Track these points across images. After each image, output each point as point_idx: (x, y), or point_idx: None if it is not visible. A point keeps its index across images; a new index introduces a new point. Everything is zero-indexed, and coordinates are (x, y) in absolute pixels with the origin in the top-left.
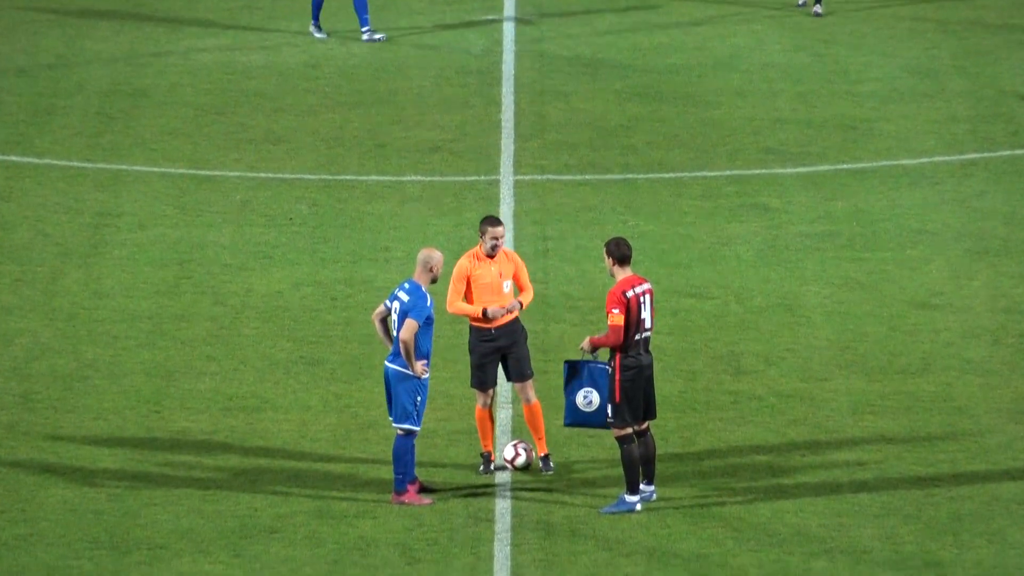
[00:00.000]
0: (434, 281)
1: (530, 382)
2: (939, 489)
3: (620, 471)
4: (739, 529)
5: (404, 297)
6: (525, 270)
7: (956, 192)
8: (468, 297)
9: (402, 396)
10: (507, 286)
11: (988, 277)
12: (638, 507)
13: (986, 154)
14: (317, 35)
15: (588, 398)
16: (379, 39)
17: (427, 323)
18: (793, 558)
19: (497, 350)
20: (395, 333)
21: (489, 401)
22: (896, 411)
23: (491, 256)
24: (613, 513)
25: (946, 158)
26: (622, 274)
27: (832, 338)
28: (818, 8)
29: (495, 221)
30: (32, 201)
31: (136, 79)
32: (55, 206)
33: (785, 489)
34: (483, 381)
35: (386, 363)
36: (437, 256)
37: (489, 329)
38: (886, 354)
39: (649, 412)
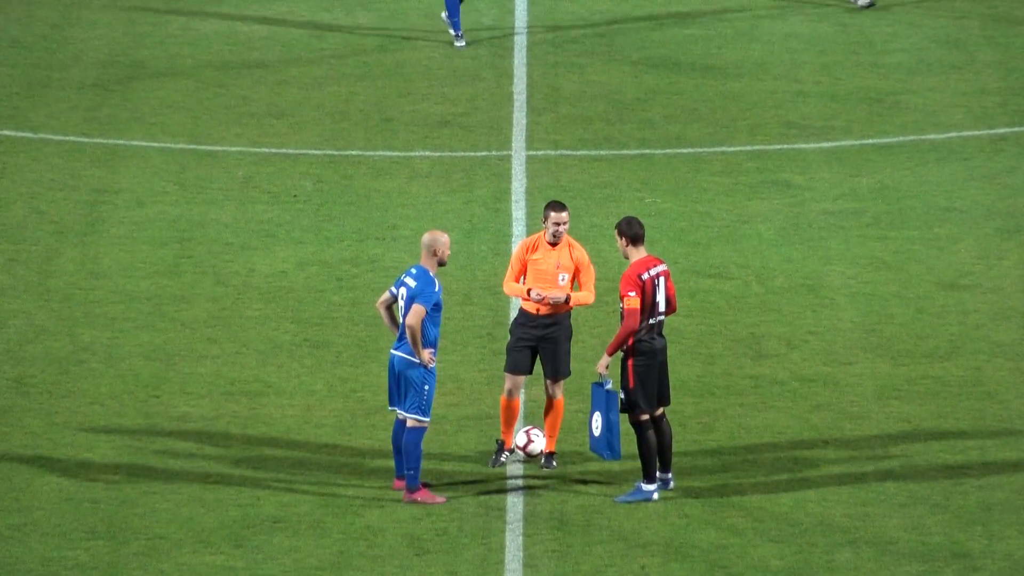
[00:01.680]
0: (442, 264)
1: (562, 382)
2: (968, 477)
3: (636, 460)
4: (760, 519)
5: (411, 282)
6: (591, 272)
7: (986, 168)
8: (525, 282)
9: (411, 386)
10: (563, 279)
11: (1019, 256)
12: (655, 496)
13: (1017, 128)
14: (458, 44)
15: (597, 423)
16: (460, 46)
17: (435, 309)
18: (816, 549)
19: (535, 338)
20: (402, 320)
21: (517, 392)
22: (923, 396)
23: (553, 244)
24: (629, 502)
25: (975, 132)
26: (636, 254)
27: (857, 320)
28: None
29: (557, 206)
30: (27, 177)
31: (134, 50)
32: (50, 182)
33: (807, 477)
34: (514, 364)
35: (392, 351)
36: (443, 239)
37: (534, 314)
38: (913, 337)
39: (663, 398)
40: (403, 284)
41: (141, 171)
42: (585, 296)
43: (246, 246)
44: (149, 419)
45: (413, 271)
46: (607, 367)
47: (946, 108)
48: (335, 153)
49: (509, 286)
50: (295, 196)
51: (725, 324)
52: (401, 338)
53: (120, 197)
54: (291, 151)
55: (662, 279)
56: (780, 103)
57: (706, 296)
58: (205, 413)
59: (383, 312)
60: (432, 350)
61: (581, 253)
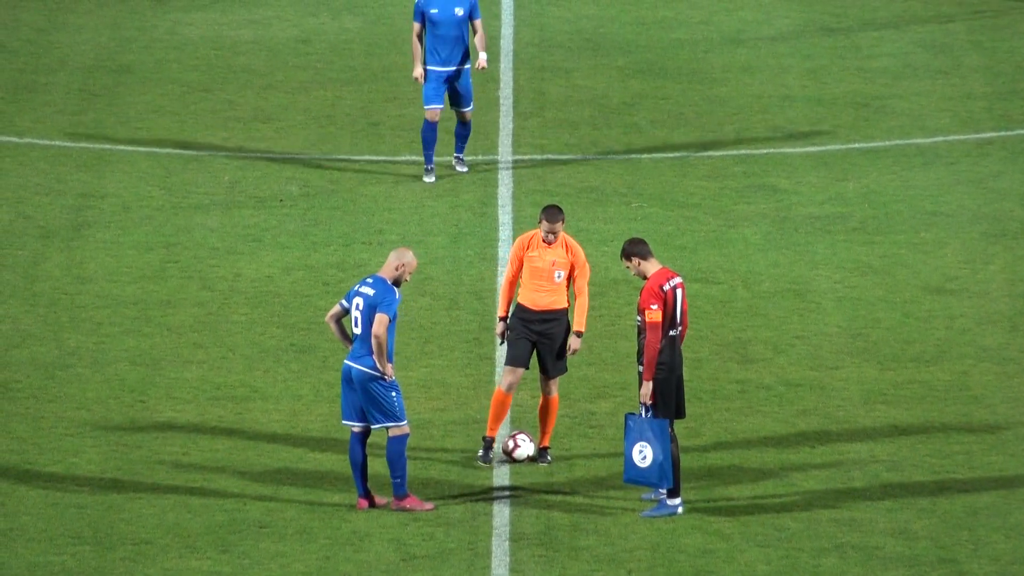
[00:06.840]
0: (398, 283)
1: (557, 379)
2: (954, 482)
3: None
4: (746, 524)
5: (369, 291)
6: (586, 272)
7: (972, 172)
8: (523, 278)
9: (377, 397)
10: (559, 276)
11: (1005, 261)
12: (680, 510)
13: (1003, 132)
14: (460, 168)
15: (643, 453)
16: (462, 170)
17: (393, 318)
18: (802, 554)
19: (534, 333)
20: (357, 331)
21: (515, 386)
22: (910, 401)
23: (549, 242)
24: (654, 517)
25: (961, 137)
26: (652, 267)
27: (843, 325)
28: None
29: (552, 215)
30: (12, 182)
31: (120, 55)
32: (36, 187)
33: (794, 482)
34: (515, 357)
35: (348, 363)
36: (410, 257)
37: (533, 309)
38: (899, 341)
39: (679, 411)
40: (358, 295)
41: (127, 176)
42: (582, 309)
43: (232, 251)
44: (135, 424)
45: (369, 280)
46: (651, 395)
47: (932, 113)
48: (321, 157)
49: (503, 289)
50: (281, 201)
51: (712, 328)
52: (357, 350)
53: (106, 202)
54: (277, 155)
55: (680, 291)
56: (766, 107)
57: (692, 300)
58: (191, 418)
59: (333, 326)
60: (391, 363)
61: (577, 252)
